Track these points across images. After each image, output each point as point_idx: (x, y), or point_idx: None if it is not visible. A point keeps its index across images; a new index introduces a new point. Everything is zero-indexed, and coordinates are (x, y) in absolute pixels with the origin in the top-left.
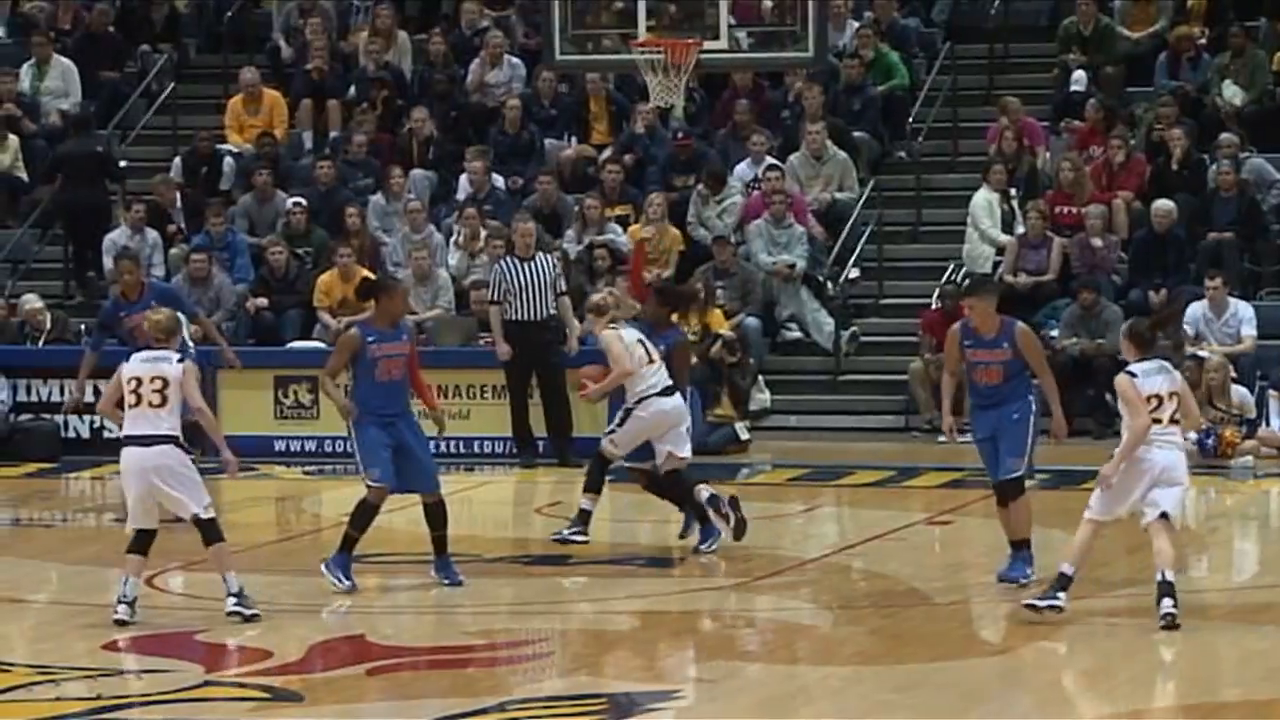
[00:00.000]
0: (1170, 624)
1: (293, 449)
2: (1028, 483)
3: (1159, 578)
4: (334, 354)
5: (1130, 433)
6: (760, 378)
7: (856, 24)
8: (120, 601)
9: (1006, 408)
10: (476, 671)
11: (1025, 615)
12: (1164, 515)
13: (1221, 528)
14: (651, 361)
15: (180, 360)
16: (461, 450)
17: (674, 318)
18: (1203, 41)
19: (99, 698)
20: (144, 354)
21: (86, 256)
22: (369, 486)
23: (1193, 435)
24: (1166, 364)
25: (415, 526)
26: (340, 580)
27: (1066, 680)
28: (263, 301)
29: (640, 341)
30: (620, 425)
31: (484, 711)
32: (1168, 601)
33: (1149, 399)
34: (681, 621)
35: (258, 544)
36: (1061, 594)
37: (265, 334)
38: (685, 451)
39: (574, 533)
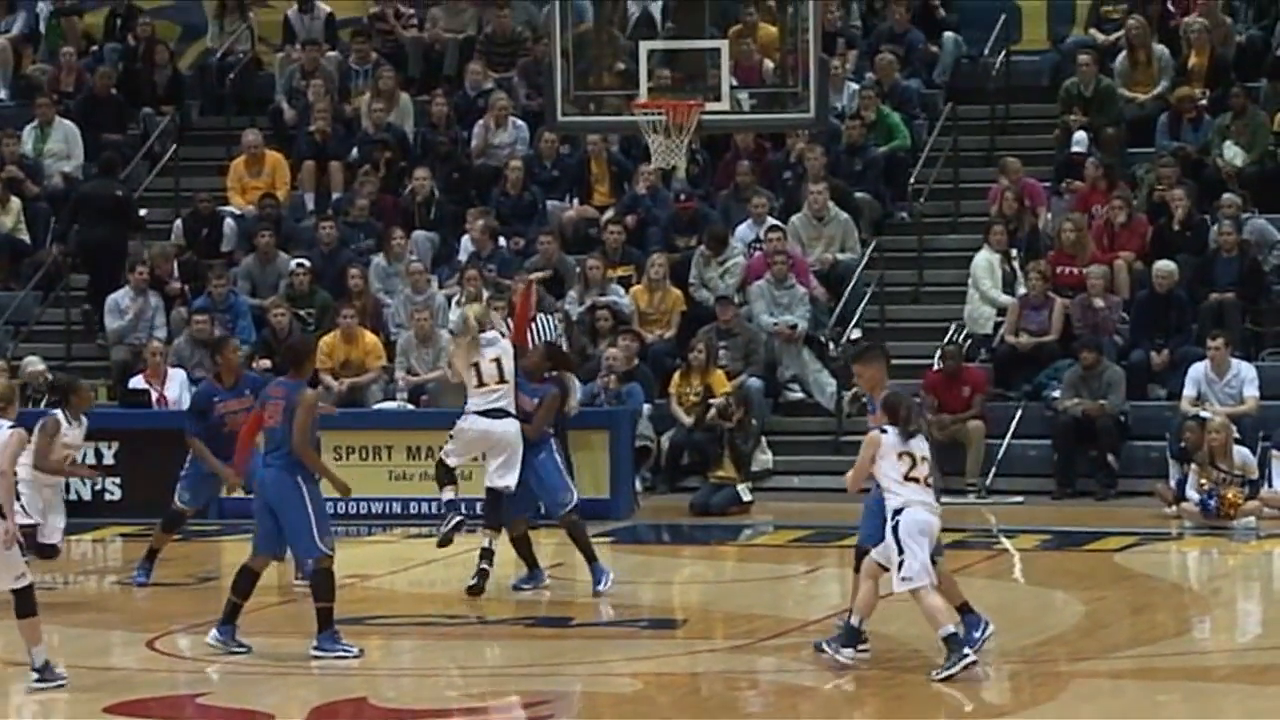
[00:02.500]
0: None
1: None
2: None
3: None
4: (311, 419)
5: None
6: (763, 439)
7: (858, 85)
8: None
9: None
10: None
11: (1025, 675)
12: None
13: (1224, 589)
14: (503, 381)
15: (11, 428)
16: (464, 511)
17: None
18: (1203, 102)
19: None
20: None
21: (102, 299)
22: (328, 555)
23: (1195, 495)
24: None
25: (417, 589)
26: (345, 651)
27: None
28: (266, 363)
29: (497, 360)
30: (451, 436)
31: None
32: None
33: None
34: (684, 683)
35: (263, 605)
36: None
37: None
38: (504, 480)
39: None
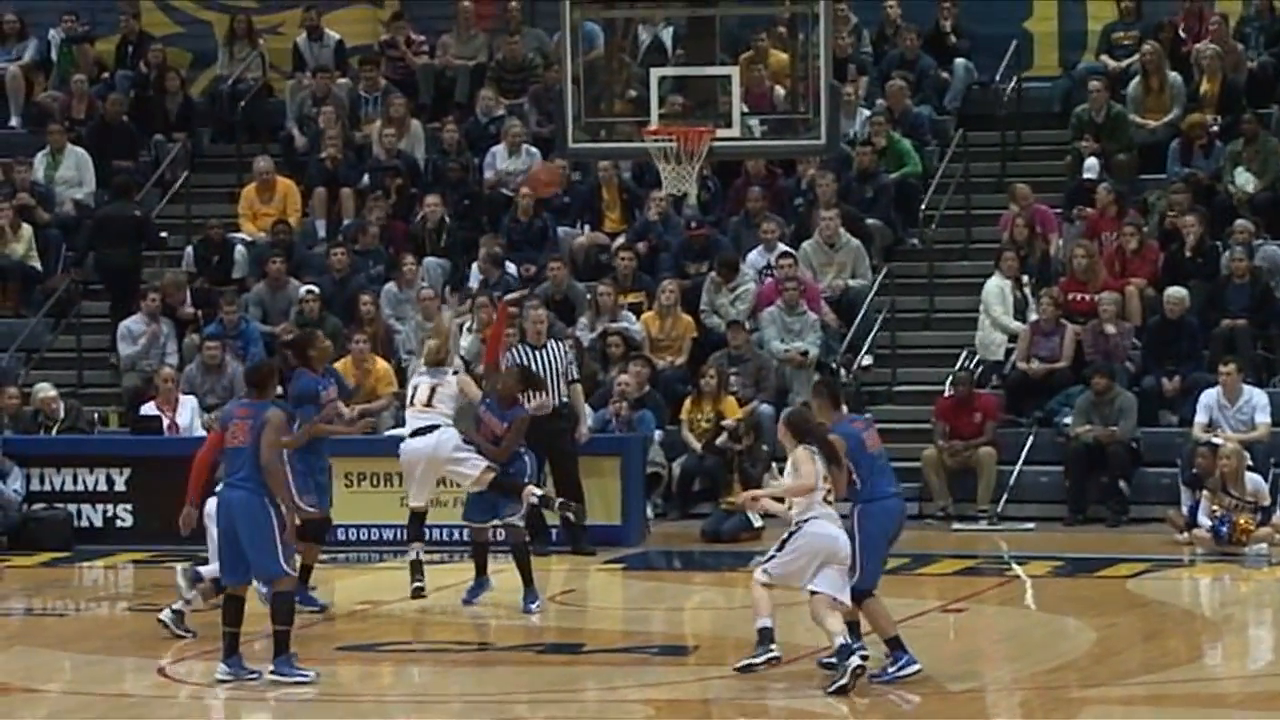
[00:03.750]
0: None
1: None
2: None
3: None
4: (280, 439)
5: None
6: (774, 464)
7: (869, 112)
8: None
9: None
10: None
11: (1037, 702)
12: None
13: (1236, 615)
14: (429, 406)
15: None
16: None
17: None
18: (1215, 129)
19: None
20: None
21: (120, 320)
22: (289, 575)
23: (1207, 522)
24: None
25: (428, 615)
26: (302, 676)
27: None
28: (276, 390)
29: (418, 386)
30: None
31: None
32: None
33: None
34: (696, 710)
35: (269, 633)
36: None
37: None
38: (416, 501)
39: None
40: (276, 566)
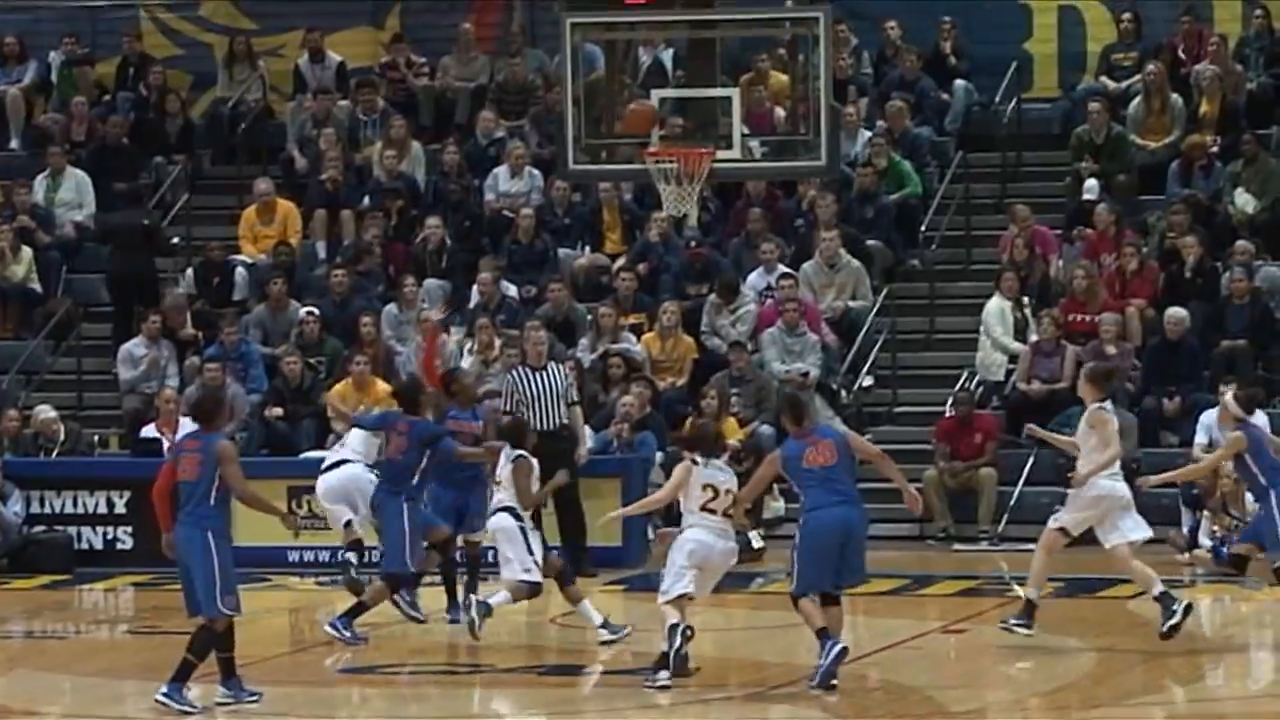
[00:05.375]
0: None
1: (306, 560)
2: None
3: None
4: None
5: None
6: (774, 486)
7: (869, 133)
8: None
9: None
10: None
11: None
12: None
13: (1237, 636)
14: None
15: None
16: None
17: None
18: (1215, 149)
19: None
20: None
21: (130, 327)
22: (223, 616)
23: (1207, 542)
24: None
25: (428, 637)
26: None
27: None
28: (278, 411)
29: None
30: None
31: None
32: None
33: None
34: None
35: (271, 655)
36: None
37: (279, 444)
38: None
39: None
40: (212, 605)
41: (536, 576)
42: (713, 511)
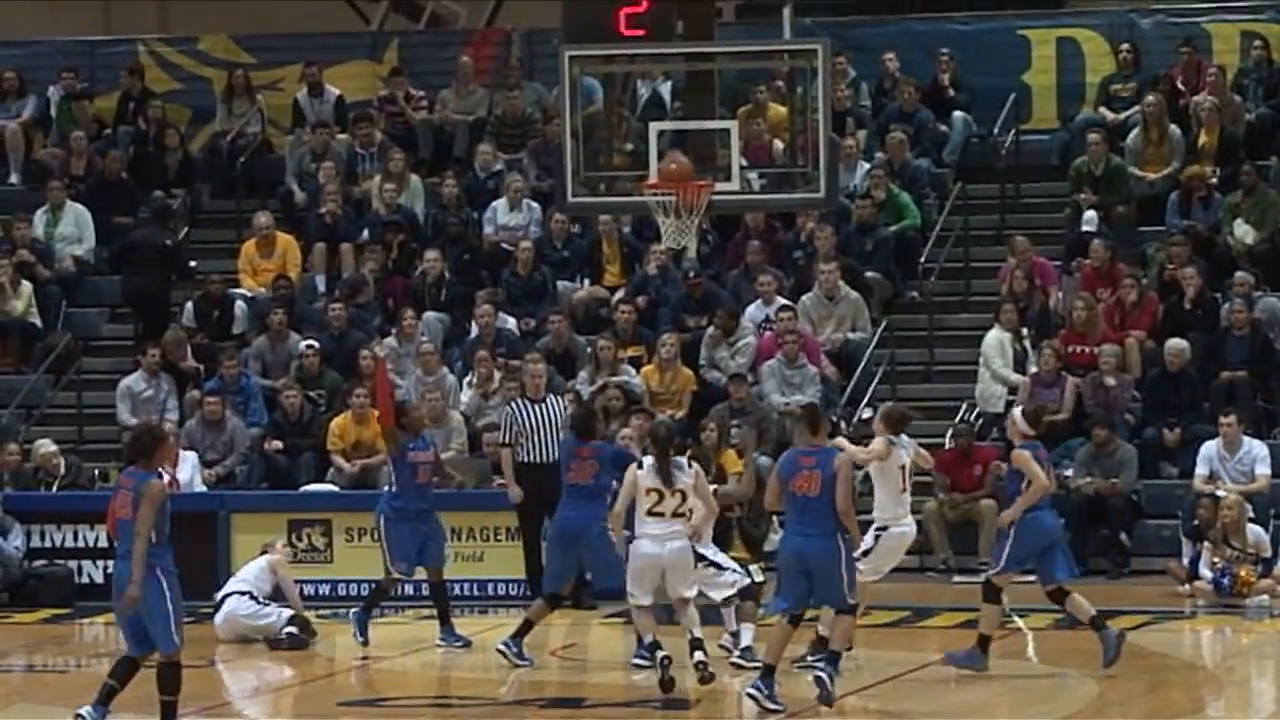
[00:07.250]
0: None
1: (306, 592)
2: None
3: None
4: (156, 512)
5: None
6: (774, 518)
7: (868, 165)
8: None
9: None
10: None
11: None
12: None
13: (1238, 667)
14: None
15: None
16: (475, 593)
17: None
18: (1214, 181)
19: None
20: None
21: (148, 343)
22: (178, 648)
23: (1208, 574)
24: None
25: (429, 670)
26: None
27: None
28: (277, 444)
29: None
30: None
31: None
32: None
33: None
34: None
35: (271, 688)
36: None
37: (279, 477)
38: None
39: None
40: (169, 639)
41: (740, 574)
42: (660, 515)
